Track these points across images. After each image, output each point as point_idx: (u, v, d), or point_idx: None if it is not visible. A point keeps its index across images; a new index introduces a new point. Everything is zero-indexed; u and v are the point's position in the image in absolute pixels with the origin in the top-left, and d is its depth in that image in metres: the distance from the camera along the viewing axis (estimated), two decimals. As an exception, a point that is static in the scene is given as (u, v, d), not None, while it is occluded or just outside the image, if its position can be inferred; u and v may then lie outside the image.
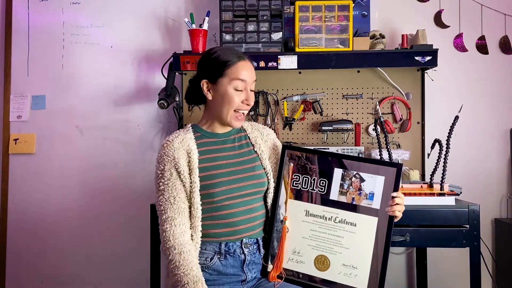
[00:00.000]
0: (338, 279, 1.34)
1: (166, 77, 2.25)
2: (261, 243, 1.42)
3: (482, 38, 2.34)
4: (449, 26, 2.35)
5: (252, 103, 1.42)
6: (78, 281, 2.46)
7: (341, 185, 1.37)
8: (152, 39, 2.43)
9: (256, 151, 1.47)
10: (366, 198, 1.34)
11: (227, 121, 1.41)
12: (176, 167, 1.34)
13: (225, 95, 1.39)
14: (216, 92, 1.41)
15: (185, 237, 1.32)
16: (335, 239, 1.35)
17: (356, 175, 1.36)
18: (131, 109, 2.44)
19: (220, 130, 1.47)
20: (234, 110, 1.40)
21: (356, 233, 1.34)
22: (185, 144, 1.38)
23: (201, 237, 1.35)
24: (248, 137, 1.50)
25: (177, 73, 2.28)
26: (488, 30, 2.33)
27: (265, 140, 1.51)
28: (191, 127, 1.48)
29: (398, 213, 1.32)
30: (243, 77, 1.39)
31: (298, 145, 2.27)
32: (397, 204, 1.32)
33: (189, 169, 1.35)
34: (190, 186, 1.34)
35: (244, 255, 1.38)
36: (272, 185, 1.45)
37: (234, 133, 1.49)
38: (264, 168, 1.45)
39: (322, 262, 1.36)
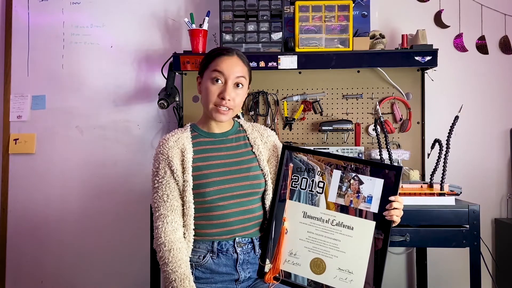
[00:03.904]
0: (333, 283, 1.32)
1: (166, 77, 2.25)
2: (256, 243, 1.41)
3: (482, 38, 2.34)
4: (449, 26, 2.35)
5: (228, 98, 1.36)
6: (78, 281, 2.46)
7: (340, 187, 1.35)
8: (152, 39, 2.43)
9: (254, 152, 1.47)
10: (364, 201, 1.31)
11: (211, 115, 1.41)
12: (170, 166, 1.36)
13: (204, 88, 1.40)
14: (201, 86, 1.44)
15: (176, 235, 1.33)
16: (331, 242, 1.33)
17: (355, 177, 1.33)
18: (131, 109, 2.44)
19: (217, 130, 1.47)
20: (214, 105, 1.39)
21: (353, 237, 1.31)
22: (180, 143, 1.39)
23: (194, 235, 1.36)
24: (248, 137, 1.50)
25: (177, 73, 2.28)
26: (488, 30, 2.33)
27: (265, 141, 1.50)
28: (189, 126, 1.49)
29: (396, 218, 1.28)
30: (220, 69, 1.37)
31: (298, 145, 2.27)
32: (395, 208, 1.28)
33: (183, 168, 1.36)
34: (183, 184, 1.35)
35: (237, 254, 1.37)
36: (270, 186, 1.44)
37: (233, 133, 1.49)
38: (261, 170, 1.44)
39: (318, 265, 1.34)
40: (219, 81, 1.38)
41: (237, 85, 1.40)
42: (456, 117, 1.75)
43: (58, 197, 2.46)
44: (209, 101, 1.39)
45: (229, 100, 1.37)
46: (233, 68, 1.38)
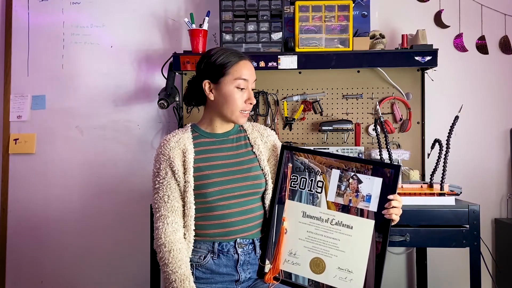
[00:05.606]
0: (333, 283, 1.31)
1: (166, 77, 2.25)
2: (257, 243, 1.41)
3: (482, 38, 2.34)
4: (449, 26, 2.35)
5: (254, 102, 1.44)
6: (78, 281, 2.46)
7: (339, 186, 1.34)
8: (152, 39, 2.43)
9: (254, 152, 1.47)
10: (363, 200, 1.31)
11: (232, 120, 1.43)
12: (171, 166, 1.36)
13: (227, 95, 1.40)
14: (219, 92, 1.42)
15: (176, 236, 1.33)
16: (331, 241, 1.33)
17: (354, 176, 1.33)
18: (131, 109, 2.44)
19: (219, 130, 1.47)
20: (241, 111, 1.41)
21: (352, 236, 1.31)
22: (181, 143, 1.39)
23: (195, 236, 1.36)
24: (248, 137, 1.50)
25: (177, 73, 2.28)
26: (488, 30, 2.33)
27: (265, 141, 1.51)
28: (190, 127, 1.48)
29: (395, 217, 1.28)
30: (245, 76, 1.40)
31: (298, 145, 2.27)
32: (394, 207, 1.28)
33: (184, 169, 1.36)
34: (184, 185, 1.35)
35: (238, 255, 1.37)
36: (270, 186, 1.44)
37: (234, 133, 1.49)
38: (262, 169, 1.44)
39: (317, 264, 1.34)
40: (244, 88, 1.41)
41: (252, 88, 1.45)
42: (456, 117, 1.75)
43: (58, 197, 2.46)
44: (235, 109, 1.41)
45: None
46: (253, 73, 1.44)
